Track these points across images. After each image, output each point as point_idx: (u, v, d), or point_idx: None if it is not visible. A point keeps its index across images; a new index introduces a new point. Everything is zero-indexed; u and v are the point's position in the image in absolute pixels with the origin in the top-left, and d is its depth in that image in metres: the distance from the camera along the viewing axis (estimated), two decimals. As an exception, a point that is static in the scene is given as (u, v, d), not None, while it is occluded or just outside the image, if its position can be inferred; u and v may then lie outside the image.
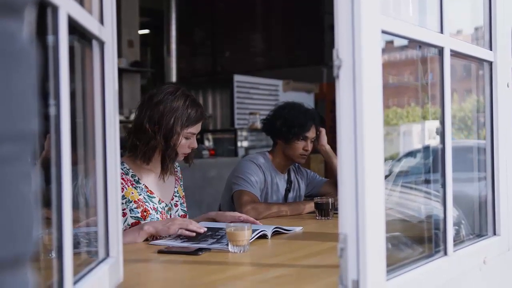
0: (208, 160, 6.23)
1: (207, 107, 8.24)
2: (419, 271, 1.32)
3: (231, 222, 2.20)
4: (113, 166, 1.30)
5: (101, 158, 1.28)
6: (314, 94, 8.22)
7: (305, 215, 2.68)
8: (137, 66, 7.71)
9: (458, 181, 1.72)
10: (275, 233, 2.11)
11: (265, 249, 1.97)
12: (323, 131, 2.96)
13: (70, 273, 0.95)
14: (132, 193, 2.15)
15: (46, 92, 0.95)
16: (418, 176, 1.98)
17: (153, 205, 2.19)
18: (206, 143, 7.01)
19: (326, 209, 2.52)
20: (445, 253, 1.44)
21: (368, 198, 1.09)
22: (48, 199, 0.94)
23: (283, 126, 2.85)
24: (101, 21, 1.27)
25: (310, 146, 2.87)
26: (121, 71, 7.24)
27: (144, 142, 2.15)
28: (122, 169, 2.17)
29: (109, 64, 1.28)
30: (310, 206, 2.68)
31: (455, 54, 1.53)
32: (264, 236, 2.02)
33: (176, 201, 2.32)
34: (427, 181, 1.83)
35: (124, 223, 2.11)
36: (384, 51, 1.44)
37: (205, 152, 6.34)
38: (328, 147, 2.97)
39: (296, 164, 3.02)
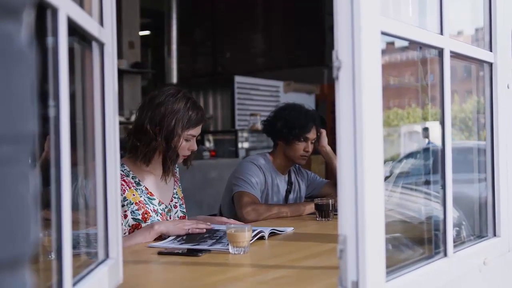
0: (209, 161, 6.24)
1: (208, 108, 8.25)
2: (419, 273, 1.32)
3: None
4: (112, 167, 1.30)
5: (101, 159, 1.28)
6: (315, 95, 8.23)
7: (306, 216, 2.68)
8: (138, 67, 7.72)
9: (459, 182, 1.72)
10: (271, 234, 2.12)
11: (265, 251, 1.97)
12: (323, 132, 2.96)
13: (69, 275, 0.95)
14: (133, 195, 2.16)
15: (46, 93, 0.95)
16: (419, 177, 1.98)
17: (153, 207, 2.19)
18: (207, 144, 7.02)
19: (326, 210, 2.52)
20: (445, 255, 1.44)
21: (367, 199, 1.09)
22: (48, 200, 0.94)
23: (284, 127, 2.85)
24: (101, 22, 1.27)
25: (310, 147, 2.87)
26: (121, 72, 7.25)
27: (145, 143, 2.16)
28: (123, 171, 2.17)
29: (109, 65, 1.28)
30: (310, 207, 2.68)
31: (455, 55, 1.53)
32: (261, 238, 2.03)
33: (176, 203, 2.33)
34: (427, 182, 1.83)
35: (125, 225, 2.11)
36: (385, 52, 1.44)
37: (206, 153, 6.35)
38: (328, 148, 2.97)
39: (297, 165, 3.02)
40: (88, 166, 1.31)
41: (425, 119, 1.90)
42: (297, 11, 9.01)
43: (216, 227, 2.15)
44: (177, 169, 2.44)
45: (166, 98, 2.17)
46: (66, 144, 0.94)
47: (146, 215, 2.15)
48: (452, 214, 1.46)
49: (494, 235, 1.75)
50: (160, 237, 2.02)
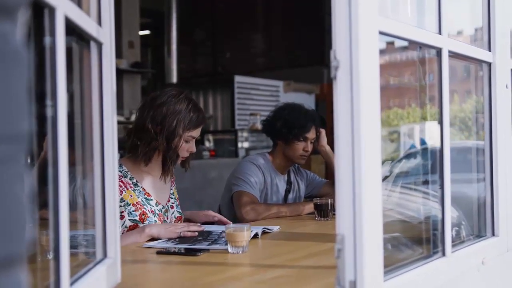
0: (209, 161, 6.24)
1: (208, 108, 8.25)
2: (417, 272, 1.32)
3: (204, 222, 2.34)
4: (111, 167, 1.30)
5: (99, 159, 1.28)
6: (315, 95, 8.23)
7: (305, 216, 2.68)
8: (138, 67, 7.72)
9: (458, 182, 1.72)
10: (262, 232, 2.14)
11: (264, 250, 1.97)
12: (323, 132, 2.96)
13: (67, 274, 0.95)
14: (131, 196, 2.16)
15: (43, 93, 0.95)
16: (418, 177, 1.98)
17: (151, 207, 2.20)
18: (207, 144, 7.02)
19: (325, 210, 2.52)
20: (443, 254, 1.44)
21: (365, 199, 1.09)
22: (47, 200, 0.94)
23: (283, 127, 2.85)
24: (99, 22, 1.27)
25: (310, 147, 2.87)
26: (121, 72, 7.25)
27: (146, 142, 2.16)
28: (120, 172, 2.18)
29: (107, 65, 1.28)
30: (309, 207, 2.68)
31: (453, 55, 1.53)
32: (255, 236, 2.03)
33: (172, 203, 2.34)
34: (427, 182, 1.83)
35: (122, 226, 2.12)
36: (385, 52, 1.44)
37: (206, 153, 6.35)
38: (328, 148, 2.97)
39: (296, 165, 3.02)
40: (86, 166, 1.31)
41: (424, 119, 1.91)
42: (297, 11, 9.01)
43: (207, 228, 2.18)
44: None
45: (168, 99, 2.18)
46: (63, 144, 0.94)
47: (143, 216, 2.15)
48: (450, 214, 1.46)
49: (493, 234, 1.75)
50: (152, 240, 2.02)
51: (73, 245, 1.28)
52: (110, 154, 1.30)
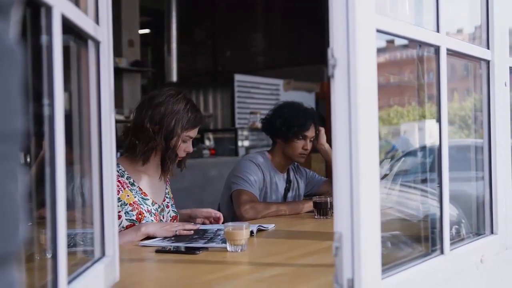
0: (209, 159, 6.24)
1: (208, 107, 8.24)
2: (415, 270, 1.32)
3: (206, 217, 2.35)
4: (109, 165, 1.30)
5: (97, 158, 1.28)
6: (315, 93, 8.22)
7: (304, 214, 2.68)
8: (138, 65, 7.71)
9: (458, 180, 1.72)
10: (257, 230, 2.14)
11: (263, 248, 1.97)
12: (322, 130, 2.96)
13: (64, 272, 0.95)
14: (128, 195, 2.17)
15: (41, 92, 0.95)
16: (418, 175, 1.98)
17: (147, 207, 2.20)
18: (207, 143, 7.02)
19: (325, 208, 2.52)
20: (442, 252, 1.44)
21: (363, 197, 1.10)
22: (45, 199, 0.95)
23: (283, 125, 2.85)
24: (97, 20, 1.27)
25: (309, 146, 2.87)
26: (121, 71, 7.25)
27: (144, 141, 2.16)
28: (117, 171, 2.18)
29: (104, 63, 1.28)
30: (309, 205, 2.68)
31: (452, 53, 1.53)
32: (250, 234, 2.04)
33: (168, 202, 2.34)
34: (426, 180, 1.83)
35: (119, 226, 2.12)
36: (385, 50, 1.44)
37: (206, 152, 6.35)
38: (327, 146, 2.97)
39: (296, 163, 3.02)
40: (85, 165, 1.31)
41: (423, 117, 1.90)
42: (297, 10, 9.01)
43: (202, 227, 2.19)
44: None
45: (166, 98, 2.19)
46: (61, 143, 0.95)
47: (140, 216, 2.16)
48: (448, 212, 1.46)
49: (492, 232, 1.75)
50: (148, 238, 2.02)
51: (71, 244, 1.28)
52: (108, 152, 1.30)
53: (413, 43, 1.53)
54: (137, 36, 7.85)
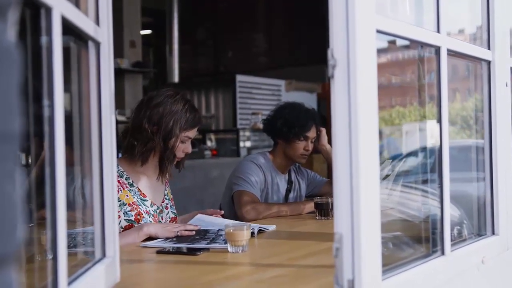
0: (210, 160, 6.24)
1: (210, 107, 8.25)
2: (416, 271, 1.32)
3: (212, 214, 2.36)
4: (109, 166, 1.30)
5: (97, 159, 1.28)
6: (317, 93, 8.22)
7: (305, 215, 2.68)
8: (139, 66, 7.71)
9: (460, 180, 1.71)
10: (258, 231, 2.14)
11: (264, 249, 1.97)
12: (323, 131, 2.96)
13: (65, 273, 0.95)
14: (127, 196, 2.17)
15: (41, 93, 0.95)
16: (420, 176, 1.97)
17: (146, 208, 2.20)
18: (209, 143, 7.02)
19: (326, 209, 2.52)
20: (443, 253, 1.44)
21: (363, 198, 1.09)
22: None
23: (284, 126, 2.85)
24: (97, 21, 1.27)
25: (310, 146, 2.87)
26: (123, 72, 7.25)
27: (142, 142, 2.16)
28: (117, 172, 2.18)
29: (105, 64, 1.28)
30: (310, 206, 2.68)
31: (452, 53, 1.52)
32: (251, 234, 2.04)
33: (167, 204, 2.34)
34: (428, 181, 1.83)
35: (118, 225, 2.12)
36: (386, 50, 1.43)
37: (207, 152, 6.36)
38: (328, 146, 2.96)
39: (297, 164, 3.02)
40: (86, 166, 1.31)
41: (425, 117, 1.90)
42: (298, 10, 9.00)
43: (204, 227, 2.18)
44: None
45: (164, 99, 2.19)
46: (60, 143, 0.95)
47: (139, 216, 2.16)
48: (449, 212, 1.45)
49: (493, 233, 1.75)
50: (149, 239, 2.02)
51: (72, 244, 1.28)
52: (108, 153, 1.30)
53: (414, 43, 1.53)
54: (138, 37, 7.85)
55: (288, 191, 2.96)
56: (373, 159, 1.14)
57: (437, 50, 1.45)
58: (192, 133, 2.25)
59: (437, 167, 1.47)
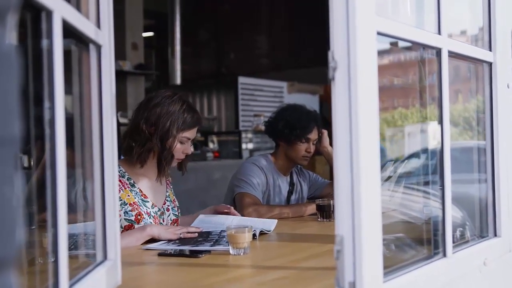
0: (213, 162, 6.24)
1: (212, 109, 8.25)
2: (417, 273, 1.31)
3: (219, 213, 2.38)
4: (110, 169, 1.30)
5: (99, 161, 1.28)
6: (319, 95, 8.21)
7: (307, 217, 2.67)
8: (142, 68, 7.72)
9: (462, 182, 1.71)
10: (260, 233, 2.14)
11: (266, 251, 1.97)
12: (325, 132, 2.96)
13: (66, 276, 0.95)
14: (128, 195, 2.17)
15: (42, 96, 0.96)
16: (422, 177, 1.97)
17: (147, 209, 2.20)
18: (211, 145, 7.02)
19: (328, 211, 2.52)
20: (444, 255, 1.44)
21: (364, 199, 1.09)
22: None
23: (285, 128, 2.85)
24: (98, 24, 1.27)
25: (312, 148, 2.87)
26: (125, 74, 7.25)
27: (140, 143, 2.16)
28: (118, 172, 2.18)
29: (106, 67, 1.29)
30: (311, 208, 2.68)
31: (453, 55, 1.52)
32: (253, 236, 2.03)
33: (168, 206, 2.34)
34: (430, 182, 1.83)
35: None
36: (388, 52, 1.43)
37: (210, 154, 6.36)
38: (330, 148, 2.96)
39: (299, 166, 3.02)
40: (88, 169, 1.32)
41: (427, 119, 1.90)
42: (301, 12, 9.00)
43: (206, 229, 2.18)
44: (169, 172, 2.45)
45: (162, 100, 2.19)
46: (61, 146, 0.95)
47: (139, 217, 2.16)
48: (451, 214, 1.45)
49: (495, 235, 1.75)
50: (151, 240, 2.02)
51: (73, 246, 1.28)
52: (109, 156, 1.30)
53: (415, 45, 1.53)
54: (140, 39, 7.85)
55: (290, 193, 2.96)
56: (373, 160, 1.14)
57: (438, 52, 1.45)
58: (191, 134, 2.24)
59: (439, 169, 1.47)
